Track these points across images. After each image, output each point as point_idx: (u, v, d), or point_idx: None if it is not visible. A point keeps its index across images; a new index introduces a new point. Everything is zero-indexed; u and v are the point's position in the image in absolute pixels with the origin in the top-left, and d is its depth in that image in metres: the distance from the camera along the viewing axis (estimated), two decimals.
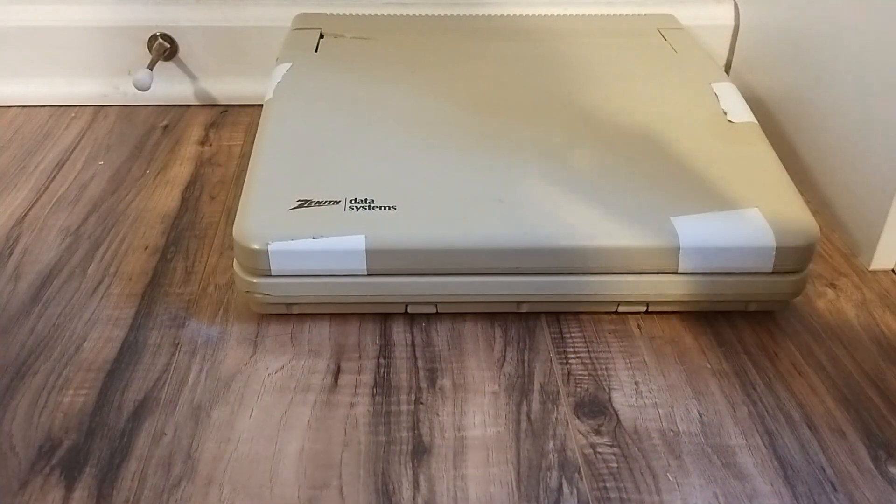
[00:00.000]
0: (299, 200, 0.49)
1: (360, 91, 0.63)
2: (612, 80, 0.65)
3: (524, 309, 0.52)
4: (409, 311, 0.51)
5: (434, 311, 0.52)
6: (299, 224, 0.48)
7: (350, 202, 0.49)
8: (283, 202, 0.49)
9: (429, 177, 0.52)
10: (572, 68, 0.67)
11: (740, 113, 0.60)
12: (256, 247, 0.47)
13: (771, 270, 0.49)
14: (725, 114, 0.60)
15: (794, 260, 0.49)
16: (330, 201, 0.49)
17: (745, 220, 0.49)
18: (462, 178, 0.52)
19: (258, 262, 0.47)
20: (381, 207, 0.49)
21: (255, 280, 0.48)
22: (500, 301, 0.51)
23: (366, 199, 0.49)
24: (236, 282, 0.50)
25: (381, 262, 0.48)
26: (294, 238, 0.47)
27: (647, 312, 0.52)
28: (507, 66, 0.68)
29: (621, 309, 0.52)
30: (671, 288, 0.50)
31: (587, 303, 0.52)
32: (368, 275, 0.48)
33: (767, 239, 0.48)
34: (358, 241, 0.47)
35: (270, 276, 0.48)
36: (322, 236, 0.47)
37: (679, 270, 0.48)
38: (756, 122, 0.59)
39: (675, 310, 0.52)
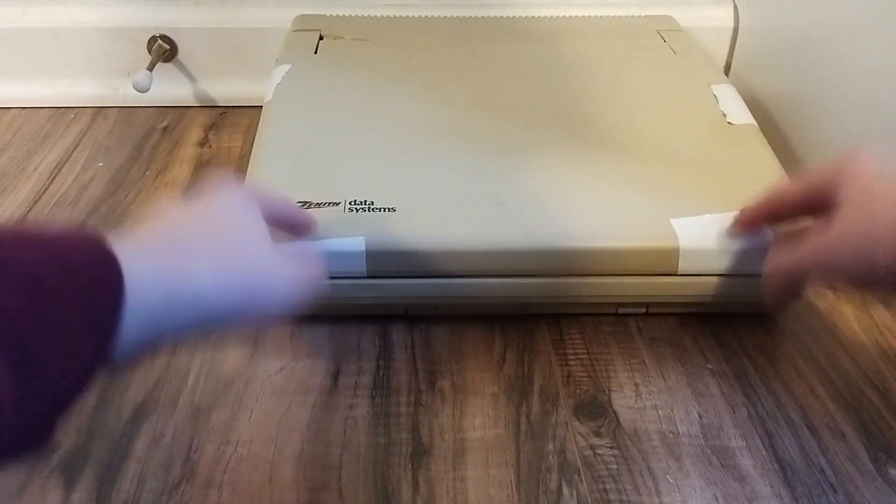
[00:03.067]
0: (299, 202, 0.49)
1: (360, 93, 0.63)
2: (611, 82, 0.65)
3: (524, 311, 0.52)
4: (409, 312, 0.51)
5: (434, 312, 0.52)
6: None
7: (350, 204, 0.49)
8: None
9: (428, 178, 0.52)
10: (572, 70, 0.67)
11: (740, 115, 0.60)
12: None
13: None
14: (725, 116, 0.60)
15: None
16: (329, 203, 0.49)
17: None
18: (462, 179, 0.52)
19: None
20: (380, 209, 0.49)
21: None
22: (500, 303, 0.51)
23: (365, 201, 0.49)
24: None
25: (382, 263, 0.47)
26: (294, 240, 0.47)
27: (646, 314, 0.52)
28: (507, 67, 0.68)
29: (621, 310, 0.52)
30: (671, 290, 0.49)
31: (587, 304, 0.52)
32: (368, 276, 0.48)
33: (767, 241, 0.48)
34: (358, 243, 0.47)
35: None
36: (322, 238, 0.47)
37: (679, 272, 0.48)
38: (755, 123, 0.59)
39: (675, 311, 0.52)
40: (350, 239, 0.47)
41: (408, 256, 0.48)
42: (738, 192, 0.51)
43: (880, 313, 0.53)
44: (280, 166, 0.53)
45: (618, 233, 0.48)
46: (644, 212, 0.49)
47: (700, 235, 0.48)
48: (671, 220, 0.48)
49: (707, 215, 0.49)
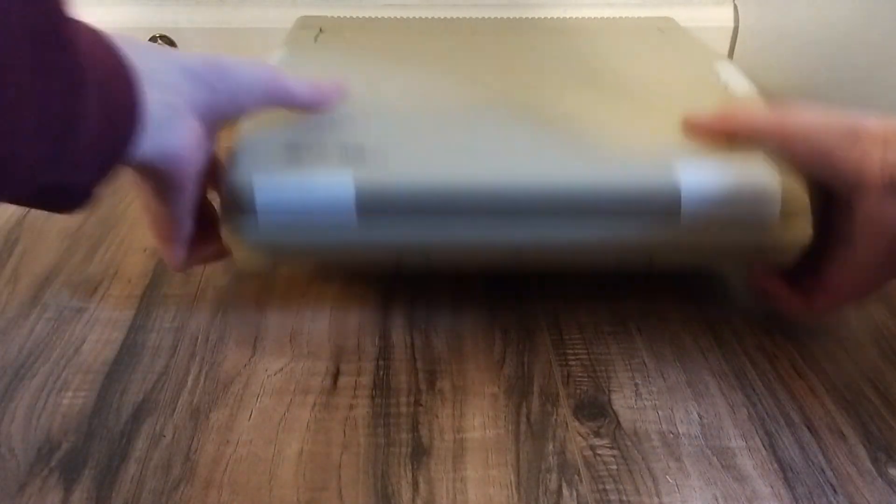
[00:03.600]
0: (288, 145, 0.48)
1: (358, 68, 0.62)
2: (614, 62, 0.65)
3: (520, 264, 0.50)
4: (400, 264, 0.50)
5: (427, 263, 0.50)
6: (286, 161, 0.46)
7: (340, 148, 0.48)
8: (272, 146, 0.48)
9: (424, 124, 0.51)
10: (575, 53, 0.67)
11: (742, 86, 0.59)
12: (240, 179, 0.45)
13: (778, 214, 0.47)
14: (727, 87, 0.59)
15: (800, 202, 0.47)
16: (320, 146, 0.48)
17: (749, 163, 0.47)
18: (460, 125, 0.51)
19: (242, 198, 0.46)
20: (372, 151, 0.47)
21: (239, 221, 0.47)
22: (495, 249, 0.49)
23: (357, 145, 0.48)
24: (221, 229, 0.48)
25: (371, 201, 0.46)
26: (280, 172, 0.46)
27: (650, 268, 0.50)
28: (510, 53, 0.67)
29: (624, 265, 0.50)
30: (675, 235, 0.47)
31: (588, 253, 0.49)
32: (357, 216, 0.46)
33: (772, 180, 0.46)
34: (346, 178, 0.45)
35: (255, 215, 0.46)
36: (310, 171, 0.46)
37: (682, 215, 0.47)
38: (757, 94, 0.59)
39: (681, 261, 0.50)
40: (339, 173, 0.45)
41: (399, 195, 0.46)
42: (740, 144, 0.49)
43: (880, 313, 0.53)
44: (270, 116, 0.51)
45: (619, 172, 0.47)
46: (647, 154, 0.48)
47: (704, 176, 0.46)
48: (674, 161, 0.47)
49: (710, 159, 0.47)
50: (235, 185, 0.46)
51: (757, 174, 0.47)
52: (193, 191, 0.45)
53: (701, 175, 0.47)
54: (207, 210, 0.50)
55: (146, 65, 0.38)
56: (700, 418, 0.45)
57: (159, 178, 0.42)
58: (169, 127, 0.40)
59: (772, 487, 0.41)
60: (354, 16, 0.77)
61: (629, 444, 0.43)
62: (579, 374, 0.48)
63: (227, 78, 0.43)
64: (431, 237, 0.48)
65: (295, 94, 0.48)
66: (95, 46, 0.35)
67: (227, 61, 0.44)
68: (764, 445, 0.43)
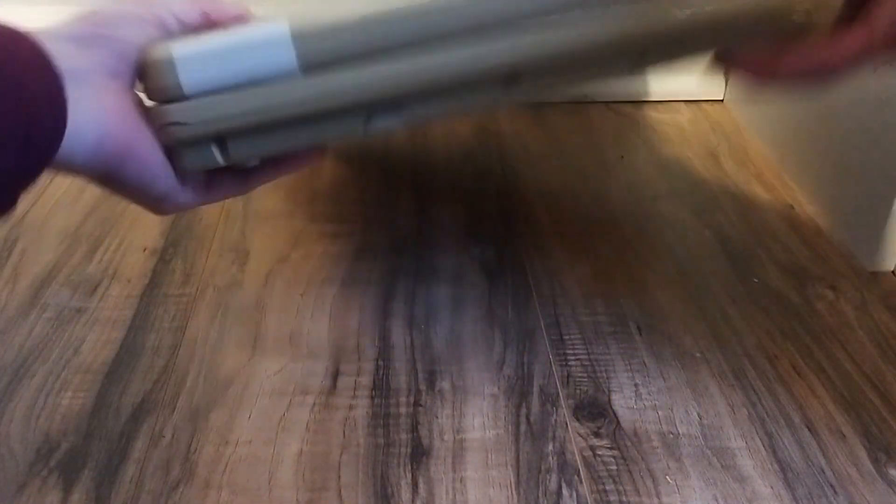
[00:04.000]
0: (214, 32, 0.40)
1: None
2: None
3: (508, 94, 0.40)
4: (369, 126, 0.40)
5: (401, 119, 0.40)
6: (210, 35, 0.39)
7: (270, 20, 0.39)
8: (196, 36, 0.40)
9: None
10: None
11: None
12: (160, 57, 0.37)
13: None
14: None
15: None
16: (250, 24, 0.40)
17: None
18: None
19: (166, 79, 0.37)
20: (311, 15, 0.39)
21: (168, 108, 0.38)
22: (483, 79, 0.39)
23: (292, 16, 0.39)
24: (153, 123, 0.38)
25: (315, 48, 0.37)
26: (202, 41, 0.38)
27: (641, 67, 0.41)
28: None
29: (615, 63, 0.40)
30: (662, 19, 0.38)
31: (574, 50, 0.38)
32: (303, 72, 0.37)
33: None
34: (280, 28, 0.37)
35: (184, 96, 0.38)
36: (238, 32, 0.38)
37: None
38: None
39: (678, 55, 0.41)
40: (271, 25, 0.37)
41: (346, 33, 0.37)
42: None
43: (880, 313, 0.53)
44: None
45: None
46: None
47: None
48: None
49: None
50: (155, 63, 0.37)
51: None
52: (149, 145, 0.38)
53: None
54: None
55: (50, 45, 0.37)
56: (700, 418, 0.45)
57: (110, 155, 0.37)
58: (92, 100, 0.36)
59: (772, 488, 0.41)
60: None
61: (629, 444, 0.43)
62: (579, 375, 0.48)
63: (117, 28, 0.39)
64: (391, 73, 0.38)
65: (183, 15, 0.42)
66: (9, 38, 0.36)
67: (107, 13, 0.39)
68: (764, 446, 0.43)
